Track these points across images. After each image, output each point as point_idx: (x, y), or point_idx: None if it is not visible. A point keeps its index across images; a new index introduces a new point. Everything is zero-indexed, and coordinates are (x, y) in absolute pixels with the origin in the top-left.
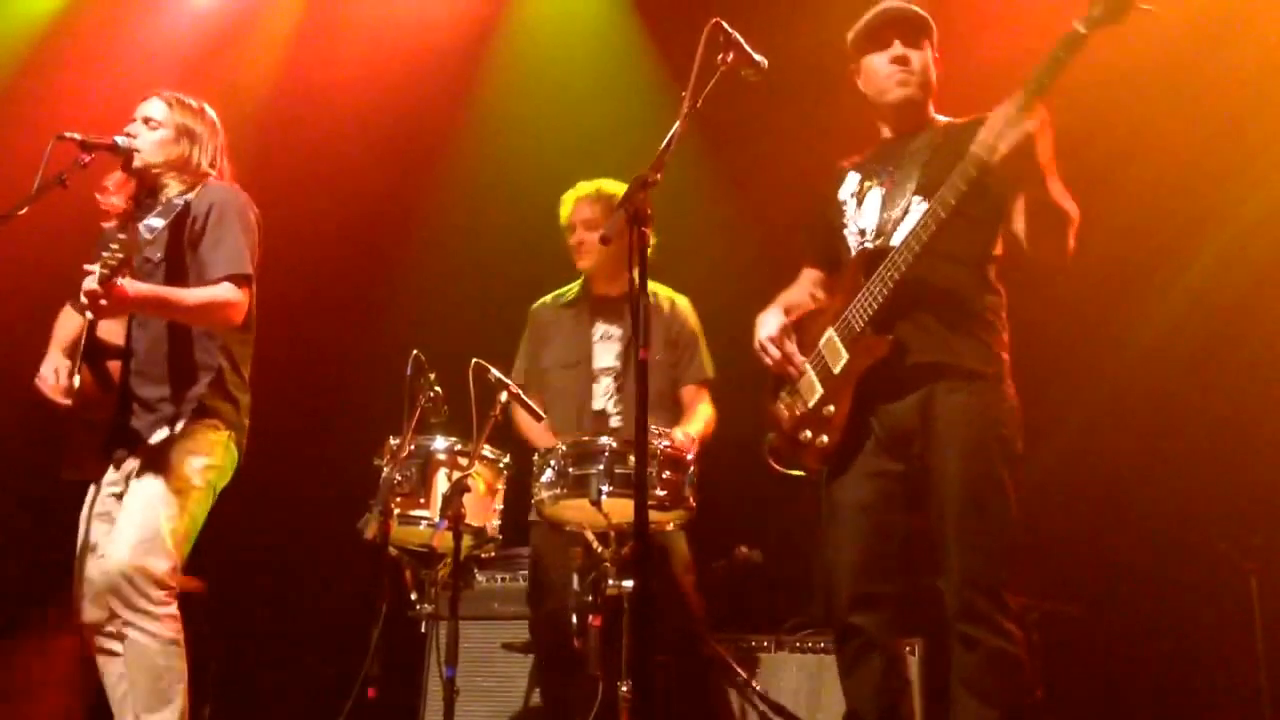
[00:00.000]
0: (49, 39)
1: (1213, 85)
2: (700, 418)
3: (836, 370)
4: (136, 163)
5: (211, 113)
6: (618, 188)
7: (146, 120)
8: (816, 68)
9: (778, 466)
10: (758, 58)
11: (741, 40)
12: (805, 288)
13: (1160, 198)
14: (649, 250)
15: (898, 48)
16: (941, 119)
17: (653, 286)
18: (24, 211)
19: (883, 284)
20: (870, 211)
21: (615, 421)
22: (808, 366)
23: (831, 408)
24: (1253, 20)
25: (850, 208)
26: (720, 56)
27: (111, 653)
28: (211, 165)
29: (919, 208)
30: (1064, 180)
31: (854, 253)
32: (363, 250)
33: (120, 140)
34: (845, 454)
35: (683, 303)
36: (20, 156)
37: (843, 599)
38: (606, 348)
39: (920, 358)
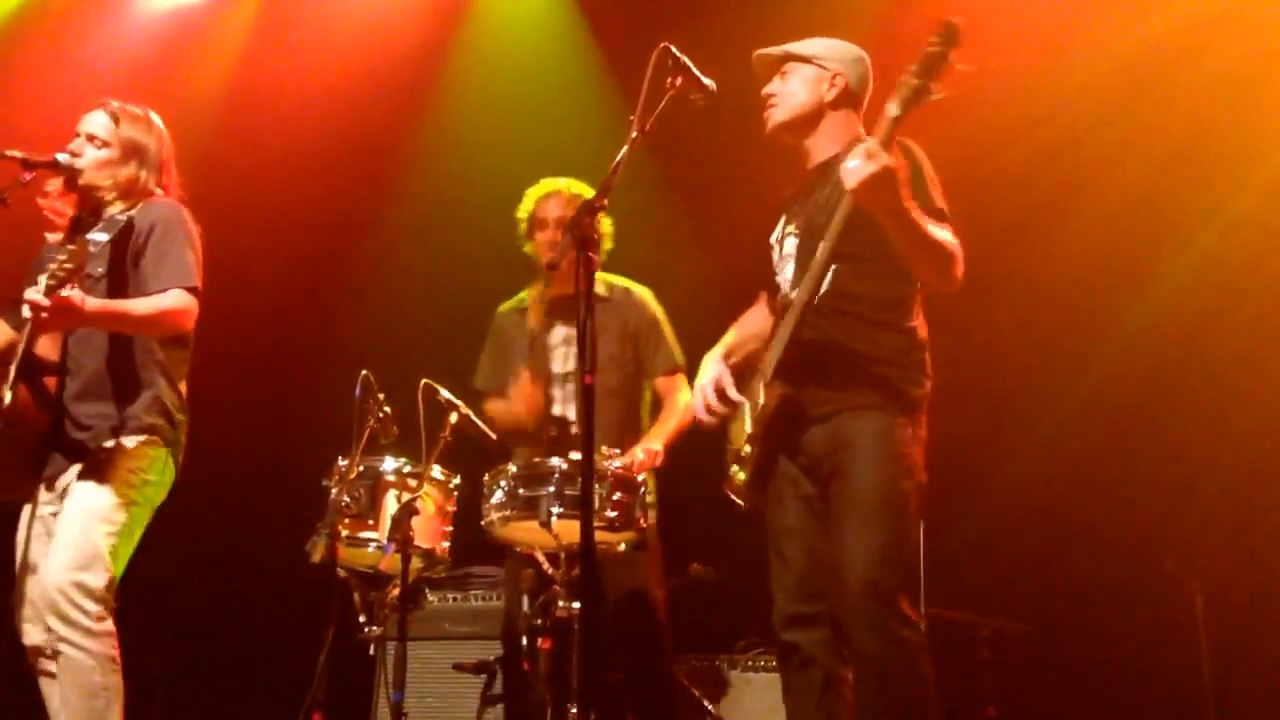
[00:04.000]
0: None
1: (1174, 105)
2: (675, 414)
3: (757, 413)
4: (80, 181)
5: (157, 120)
6: (586, 189)
7: (91, 137)
8: None
9: (730, 494)
10: (706, 82)
11: (690, 65)
12: (754, 319)
13: (1118, 224)
14: (605, 242)
15: (764, 91)
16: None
17: (607, 278)
18: None
19: (784, 336)
20: (789, 259)
21: (576, 428)
22: (745, 406)
23: (748, 448)
24: (1214, 40)
25: (776, 253)
26: (669, 80)
27: (53, 675)
28: (159, 182)
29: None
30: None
31: (780, 300)
32: (311, 269)
33: (62, 158)
34: (769, 483)
35: (640, 291)
36: None
37: (778, 619)
38: (565, 352)
39: (819, 407)
